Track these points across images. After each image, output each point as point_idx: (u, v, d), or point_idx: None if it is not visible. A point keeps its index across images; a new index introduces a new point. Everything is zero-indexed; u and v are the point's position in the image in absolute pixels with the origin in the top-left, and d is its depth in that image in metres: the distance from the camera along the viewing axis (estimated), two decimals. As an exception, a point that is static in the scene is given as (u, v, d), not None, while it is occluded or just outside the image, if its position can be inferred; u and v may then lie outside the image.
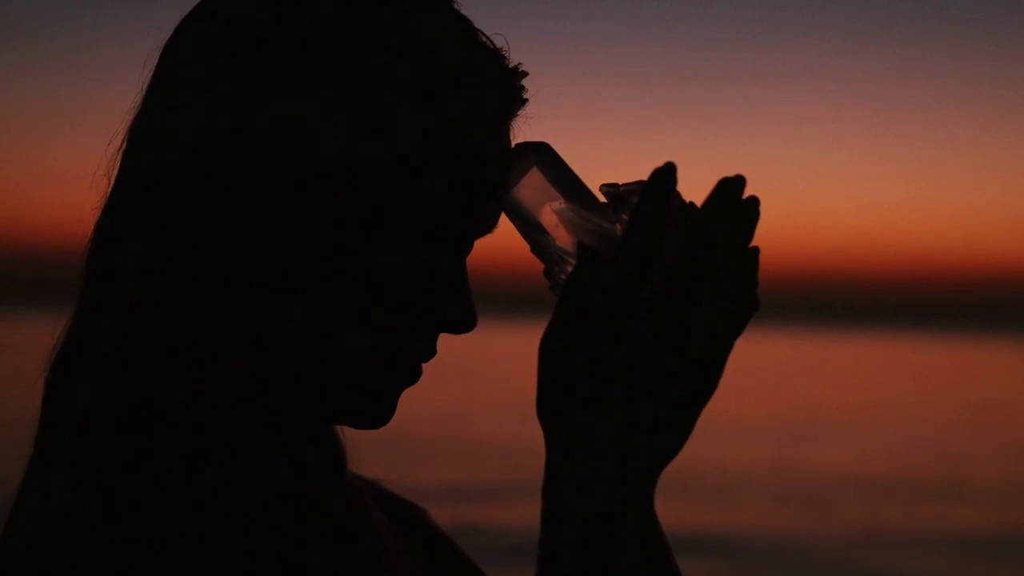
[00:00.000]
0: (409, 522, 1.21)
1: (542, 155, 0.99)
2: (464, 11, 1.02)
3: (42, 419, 0.98)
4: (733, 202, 0.93)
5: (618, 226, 0.96)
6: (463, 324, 1.01)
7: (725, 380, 0.96)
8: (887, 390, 33.26)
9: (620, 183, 0.97)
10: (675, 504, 11.68)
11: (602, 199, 0.98)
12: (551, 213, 0.98)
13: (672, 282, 0.93)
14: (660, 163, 0.94)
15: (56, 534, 0.91)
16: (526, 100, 1.02)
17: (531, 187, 0.99)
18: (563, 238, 0.98)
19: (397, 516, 1.20)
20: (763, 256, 0.94)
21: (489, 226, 1.02)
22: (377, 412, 1.01)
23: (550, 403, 0.94)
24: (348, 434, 1.11)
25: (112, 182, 1.00)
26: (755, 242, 0.95)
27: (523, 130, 1.02)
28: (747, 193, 0.94)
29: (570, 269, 0.98)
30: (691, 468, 13.46)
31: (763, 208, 0.93)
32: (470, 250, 1.02)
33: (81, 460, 0.94)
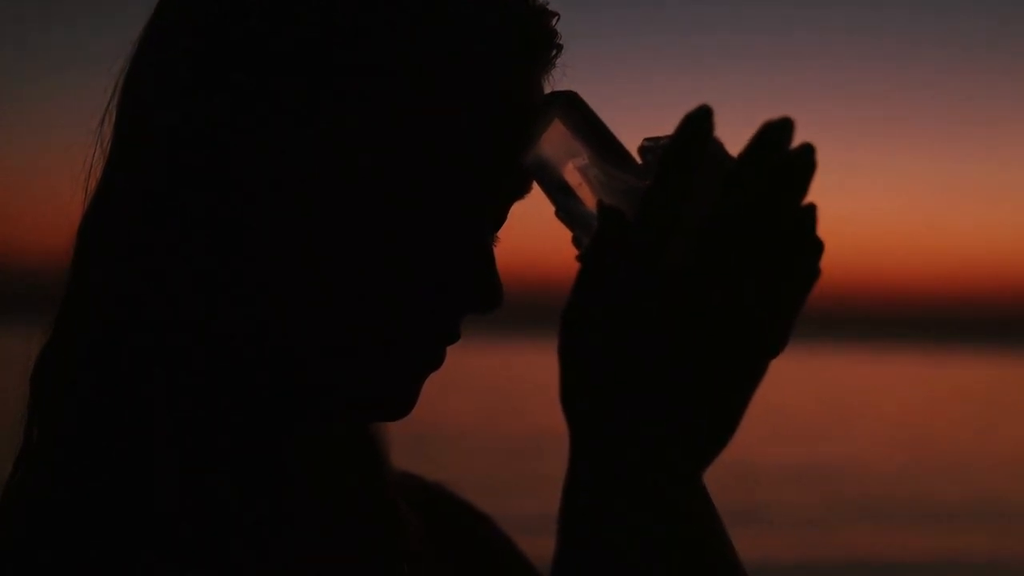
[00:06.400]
0: (468, 530, 1.12)
1: (567, 105, 0.87)
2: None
3: (29, 414, 0.90)
4: (779, 150, 0.78)
5: None
6: (488, 302, 0.91)
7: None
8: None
9: (662, 136, 0.83)
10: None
11: (639, 157, 0.85)
12: (574, 171, 0.86)
13: (700, 248, 0.78)
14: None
15: (41, 537, 0.84)
16: (560, 46, 0.91)
17: (553, 141, 0.86)
18: (589, 199, 0.85)
19: (455, 523, 1.11)
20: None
21: (517, 190, 0.92)
22: (398, 400, 0.92)
23: (572, 388, 0.81)
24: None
25: (105, 154, 0.92)
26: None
27: (562, 83, 0.91)
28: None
29: None
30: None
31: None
32: (501, 221, 0.93)
33: (70, 459, 0.86)
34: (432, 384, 0.94)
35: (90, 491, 0.85)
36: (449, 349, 0.93)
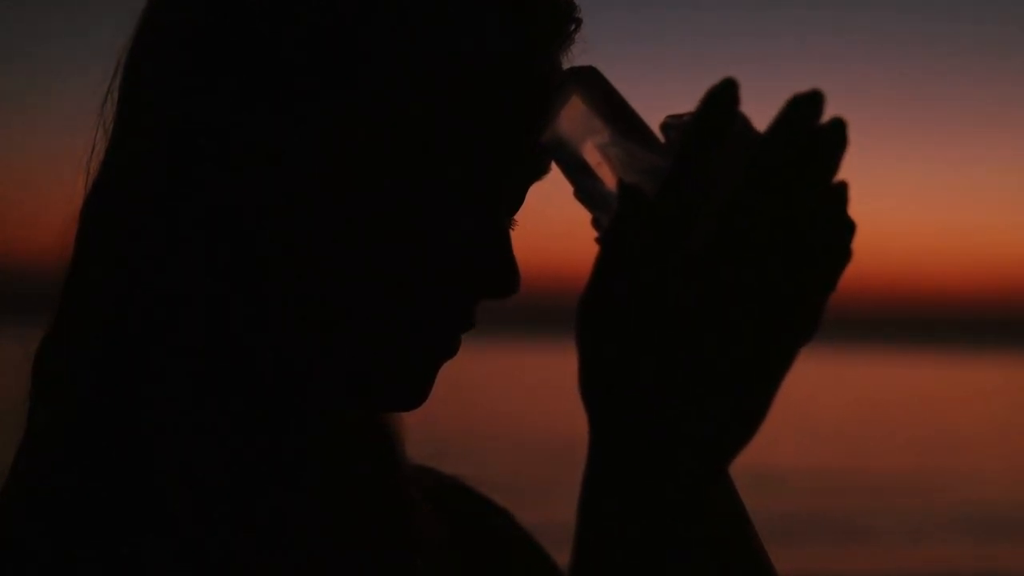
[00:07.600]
0: (485, 524, 1.09)
1: (586, 81, 0.83)
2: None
3: (30, 410, 0.88)
4: (808, 125, 0.73)
5: None
6: (504, 286, 0.88)
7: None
8: None
9: (685, 112, 0.78)
10: None
11: (661, 135, 0.82)
12: (594, 149, 0.82)
13: (724, 229, 0.73)
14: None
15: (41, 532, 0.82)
16: (578, 20, 0.88)
17: (571, 119, 0.82)
18: (609, 178, 0.81)
19: (472, 517, 1.08)
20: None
21: (534, 171, 0.89)
22: (413, 389, 0.89)
23: (589, 376, 0.77)
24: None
25: (107, 137, 0.90)
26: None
27: (581, 59, 0.88)
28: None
29: None
30: None
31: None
32: (518, 203, 0.90)
33: (71, 455, 0.84)
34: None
35: (91, 488, 0.83)
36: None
